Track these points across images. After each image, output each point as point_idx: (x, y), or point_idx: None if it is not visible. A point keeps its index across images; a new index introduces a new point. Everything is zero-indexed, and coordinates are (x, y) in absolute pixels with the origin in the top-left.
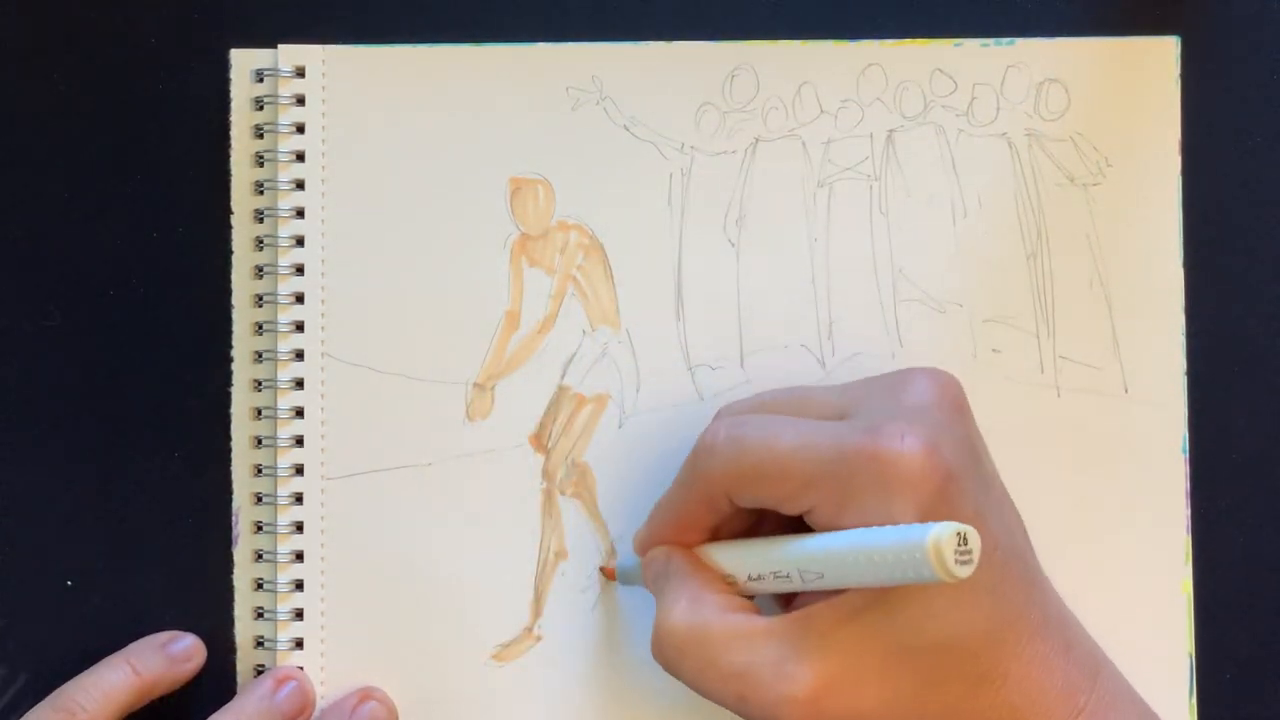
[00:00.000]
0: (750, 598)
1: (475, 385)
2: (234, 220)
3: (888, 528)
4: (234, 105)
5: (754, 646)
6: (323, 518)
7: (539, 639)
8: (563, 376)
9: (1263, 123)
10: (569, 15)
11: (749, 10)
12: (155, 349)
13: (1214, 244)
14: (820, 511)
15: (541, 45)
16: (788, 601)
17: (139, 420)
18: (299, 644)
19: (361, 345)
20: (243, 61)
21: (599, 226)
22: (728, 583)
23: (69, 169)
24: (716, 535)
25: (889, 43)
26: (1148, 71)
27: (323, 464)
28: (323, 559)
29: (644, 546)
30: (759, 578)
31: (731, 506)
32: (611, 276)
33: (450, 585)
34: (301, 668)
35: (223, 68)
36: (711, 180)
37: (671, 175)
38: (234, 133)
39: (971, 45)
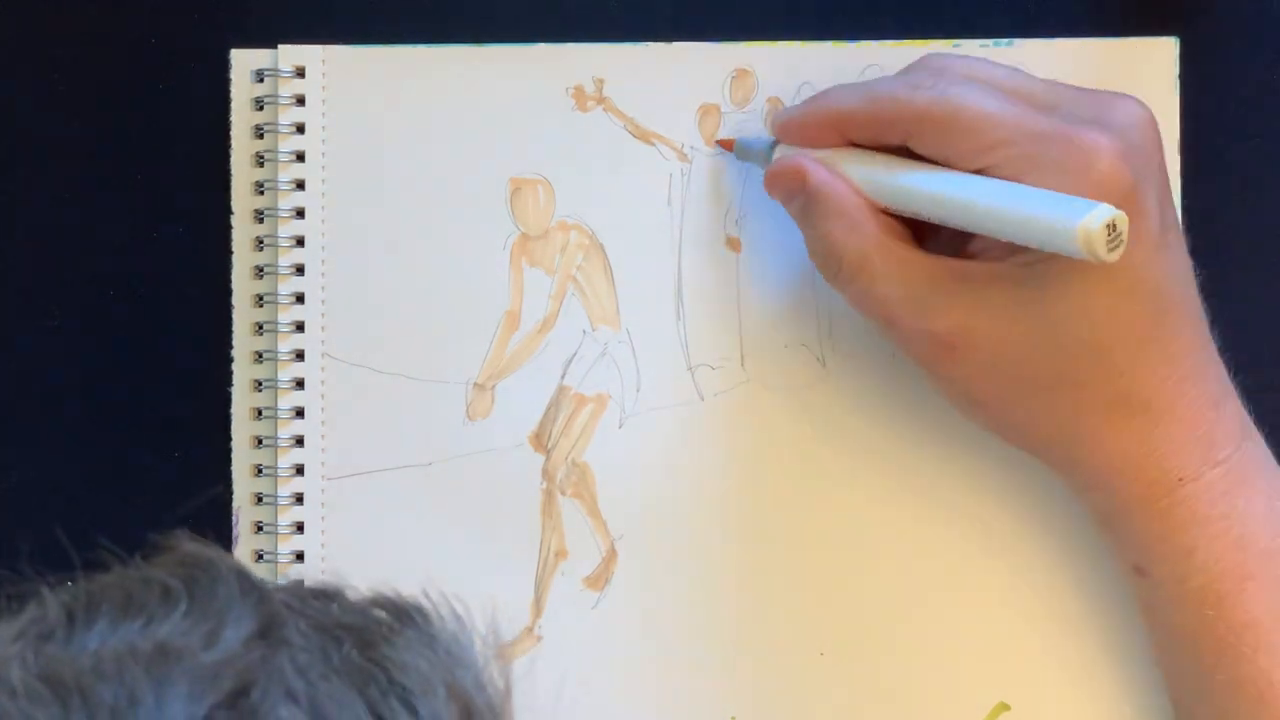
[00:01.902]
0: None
1: (475, 385)
2: (234, 220)
3: (1052, 192)
4: (234, 105)
5: (908, 280)
6: (323, 518)
7: (539, 639)
8: (563, 376)
9: (1263, 123)
10: (569, 15)
11: (749, 10)
12: (155, 349)
13: (1214, 244)
14: (997, 172)
15: (541, 45)
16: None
17: (139, 420)
18: None
19: (361, 345)
20: (243, 61)
21: (599, 226)
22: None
23: (69, 169)
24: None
25: (889, 43)
26: (1148, 71)
27: (323, 464)
28: (323, 559)
29: (787, 130)
30: (915, 208)
31: (898, 142)
32: (611, 276)
33: (450, 585)
34: None
35: (223, 68)
36: (711, 180)
37: (671, 175)
38: (234, 133)
39: (971, 45)
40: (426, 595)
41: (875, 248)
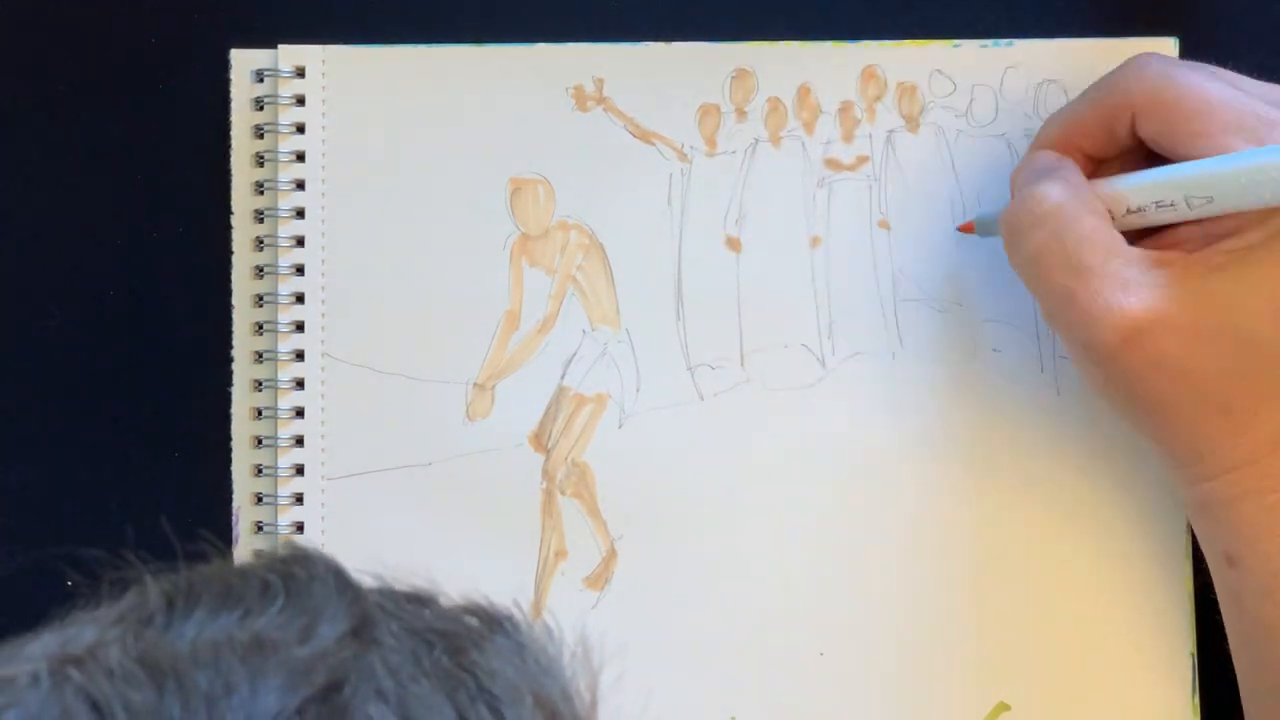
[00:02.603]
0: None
1: (475, 385)
2: (234, 220)
3: None
4: (234, 105)
5: (1111, 253)
6: (323, 518)
7: None
8: (563, 376)
9: None
10: (569, 15)
11: (749, 10)
12: (155, 349)
13: None
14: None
15: (541, 45)
16: None
17: (139, 420)
18: None
19: (361, 345)
20: (243, 61)
21: (599, 226)
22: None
23: (69, 169)
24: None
25: (888, 43)
26: None
27: (323, 464)
28: None
29: (1025, 165)
30: (1139, 210)
31: (1125, 137)
32: (611, 276)
33: (450, 585)
34: None
35: (223, 68)
36: (711, 180)
37: (671, 175)
38: (234, 133)
39: (970, 46)
40: (517, 605)
41: (1083, 204)
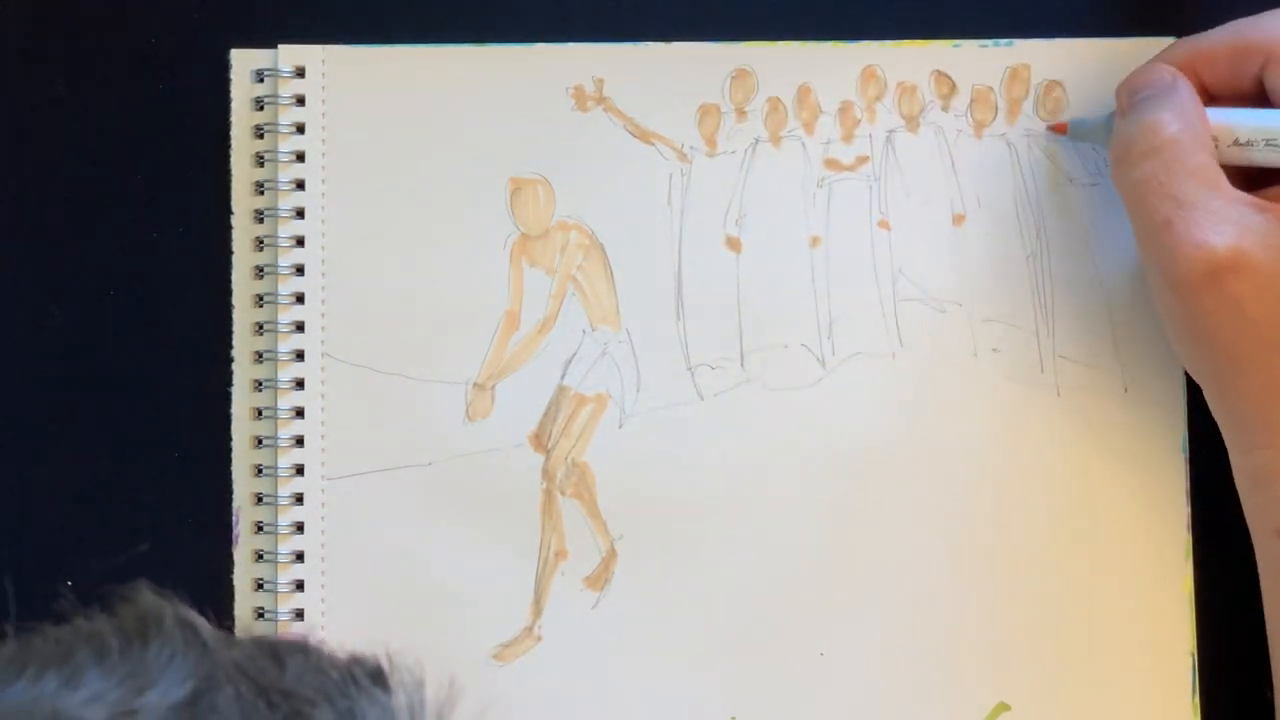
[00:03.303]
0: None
1: (475, 385)
2: (234, 220)
3: None
4: (234, 105)
5: (1215, 190)
6: (323, 518)
7: (539, 639)
8: (563, 376)
9: None
10: (569, 15)
11: (749, 10)
12: (155, 349)
13: None
14: None
15: (541, 45)
16: None
17: (139, 420)
18: None
19: (361, 345)
20: (243, 61)
21: (599, 226)
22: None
23: (69, 169)
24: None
25: (889, 43)
26: None
27: (323, 464)
28: (323, 559)
29: (1136, 83)
30: (1248, 143)
31: (1250, 81)
32: (611, 276)
33: (450, 585)
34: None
35: (223, 68)
36: (711, 180)
37: (671, 175)
38: (234, 133)
39: (971, 46)
40: (389, 658)
41: (1197, 140)
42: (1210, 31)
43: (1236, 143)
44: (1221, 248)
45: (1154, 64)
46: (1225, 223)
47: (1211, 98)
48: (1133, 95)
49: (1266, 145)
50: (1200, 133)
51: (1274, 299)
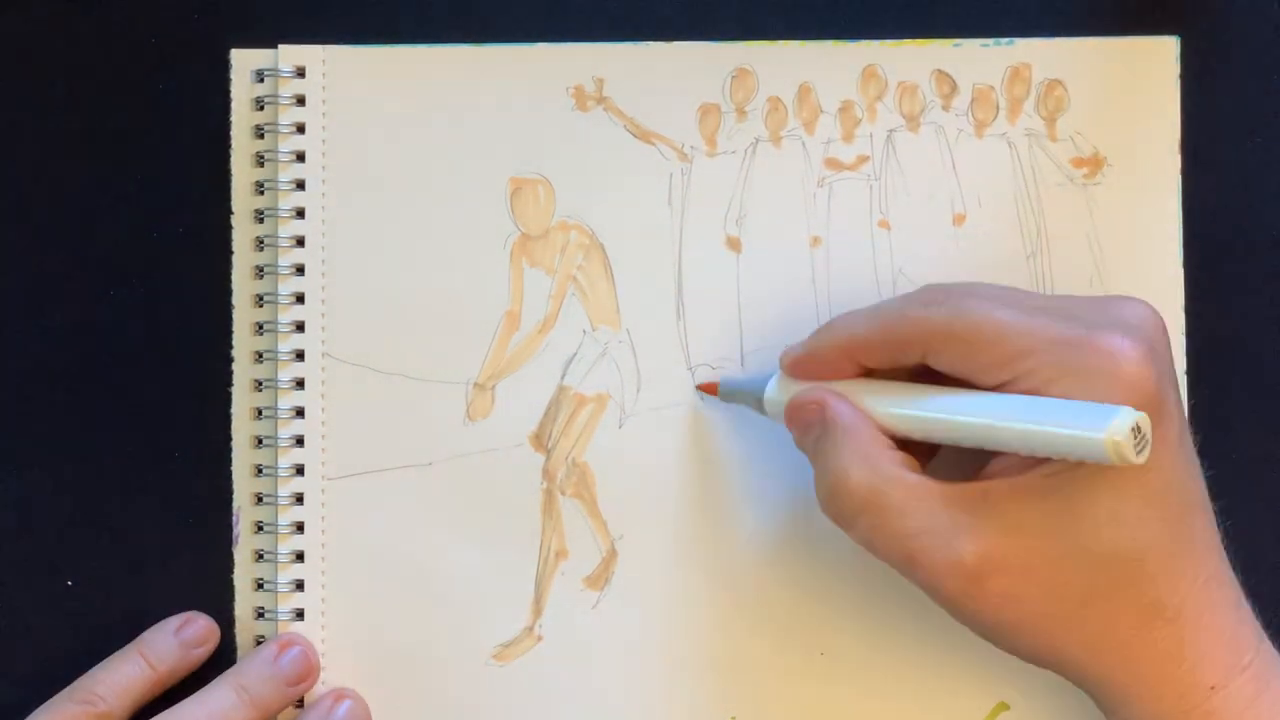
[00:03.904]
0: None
1: (475, 385)
2: (234, 220)
3: (1075, 401)
4: (234, 105)
5: (928, 512)
6: (323, 518)
7: (539, 639)
8: (563, 376)
9: (1263, 123)
10: (569, 15)
11: (749, 10)
12: (155, 349)
13: (1214, 244)
14: (1022, 384)
15: (541, 45)
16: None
17: (139, 420)
18: None
19: (361, 345)
20: (243, 61)
21: (599, 226)
22: (887, 431)
23: (69, 169)
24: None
25: (889, 43)
26: (1148, 71)
27: (323, 464)
28: (323, 559)
29: (798, 365)
30: (923, 435)
31: (914, 361)
32: (611, 276)
33: (450, 585)
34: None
35: (223, 68)
36: (711, 180)
37: (671, 175)
38: (234, 133)
39: (971, 45)
40: None
41: (892, 481)
42: (861, 316)
43: (914, 433)
44: (968, 557)
45: (804, 399)
46: (961, 531)
47: (873, 370)
48: (804, 438)
49: (946, 434)
50: (884, 464)
51: (1041, 573)
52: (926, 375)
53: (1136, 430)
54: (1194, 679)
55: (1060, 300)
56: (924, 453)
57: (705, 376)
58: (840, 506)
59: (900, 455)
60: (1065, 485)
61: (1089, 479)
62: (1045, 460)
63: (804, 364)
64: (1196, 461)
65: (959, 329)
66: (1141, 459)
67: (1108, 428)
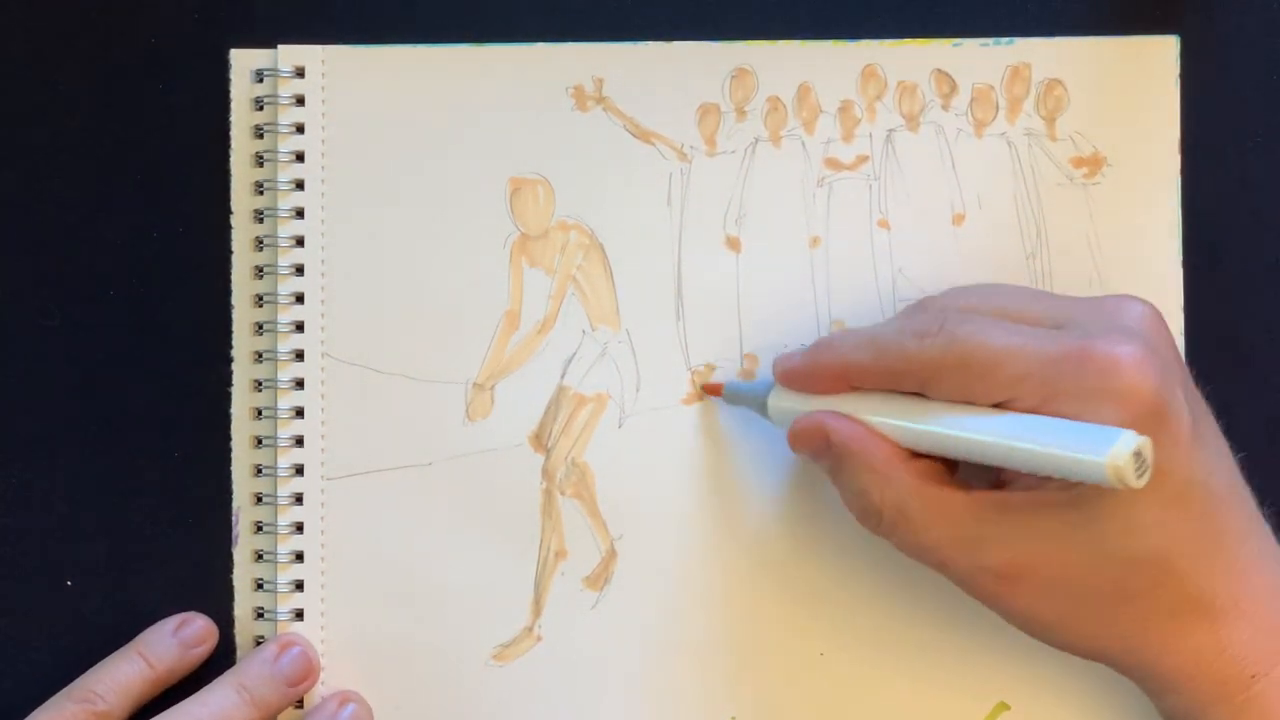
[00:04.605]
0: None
1: (475, 385)
2: (234, 220)
3: (1075, 423)
4: (234, 105)
5: (950, 523)
6: (323, 518)
7: (539, 639)
8: (562, 376)
9: (1263, 123)
10: (569, 15)
11: (749, 10)
12: (155, 349)
13: (1214, 244)
14: (1021, 405)
15: (541, 45)
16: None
17: (139, 420)
18: None
19: (361, 345)
20: (243, 61)
21: (599, 226)
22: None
23: (69, 169)
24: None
25: (889, 43)
26: (1148, 71)
27: (323, 464)
28: (323, 559)
29: (791, 378)
30: (927, 449)
31: (911, 390)
32: (611, 276)
33: (450, 585)
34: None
35: (223, 68)
36: (711, 180)
37: (671, 175)
38: (234, 133)
39: (971, 45)
40: None
41: (912, 496)
42: (854, 346)
43: (916, 450)
44: (995, 565)
45: (805, 425)
46: (983, 543)
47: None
48: (815, 459)
49: (951, 450)
50: (902, 484)
51: (1069, 578)
52: None
53: (1138, 455)
54: (1234, 669)
55: (1058, 304)
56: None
57: (712, 378)
58: (869, 525)
59: (920, 465)
60: (1083, 497)
61: (1103, 490)
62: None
63: (798, 378)
64: (1221, 448)
65: (952, 362)
66: (1142, 482)
67: (1108, 453)
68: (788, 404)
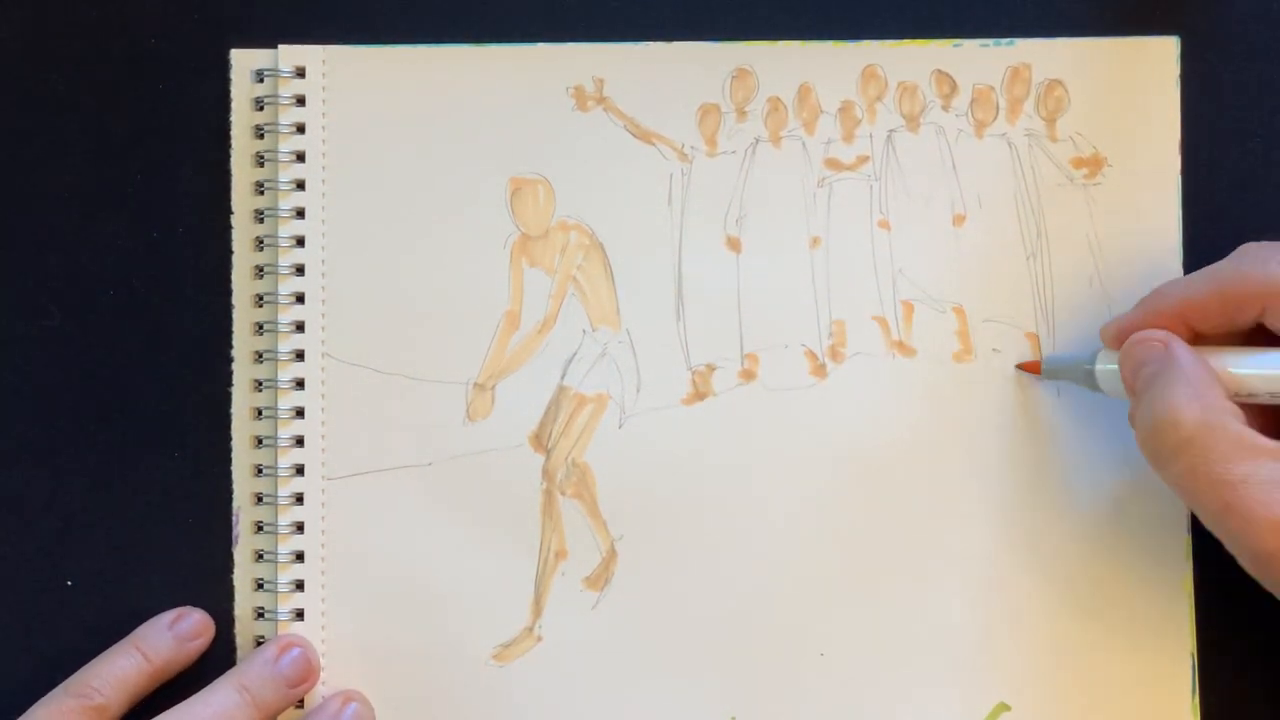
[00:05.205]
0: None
1: (475, 385)
2: (234, 220)
3: None
4: (234, 105)
5: (1259, 462)
6: (323, 518)
7: (539, 639)
8: (563, 376)
9: (1263, 123)
10: (569, 15)
11: (749, 10)
12: (155, 349)
13: (1214, 244)
14: None
15: (541, 45)
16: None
17: (139, 420)
18: None
19: (361, 345)
20: (243, 61)
21: (599, 226)
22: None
23: (69, 169)
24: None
25: (889, 43)
26: (1148, 71)
27: (323, 464)
28: (323, 559)
29: (1125, 332)
30: (1251, 395)
31: (1246, 324)
32: (611, 276)
33: (450, 585)
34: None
35: (223, 68)
36: (712, 180)
37: (671, 175)
38: (234, 133)
39: (971, 45)
40: None
41: (1219, 423)
42: (1194, 279)
43: (1240, 394)
44: None
45: (1146, 335)
46: None
47: (1201, 336)
48: (1136, 373)
49: (1272, 397)
50: (1218, 406)
51: None
52: (1260, 343)
53: None
54: None
55: None
56: (1264, 425)
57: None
58: (1162, 442)
59: (1234, 406)
60: None
61: None
62: None
63: (1135, 327)
64: None
65: None
66: None
67: None
68: (1117, 366)
